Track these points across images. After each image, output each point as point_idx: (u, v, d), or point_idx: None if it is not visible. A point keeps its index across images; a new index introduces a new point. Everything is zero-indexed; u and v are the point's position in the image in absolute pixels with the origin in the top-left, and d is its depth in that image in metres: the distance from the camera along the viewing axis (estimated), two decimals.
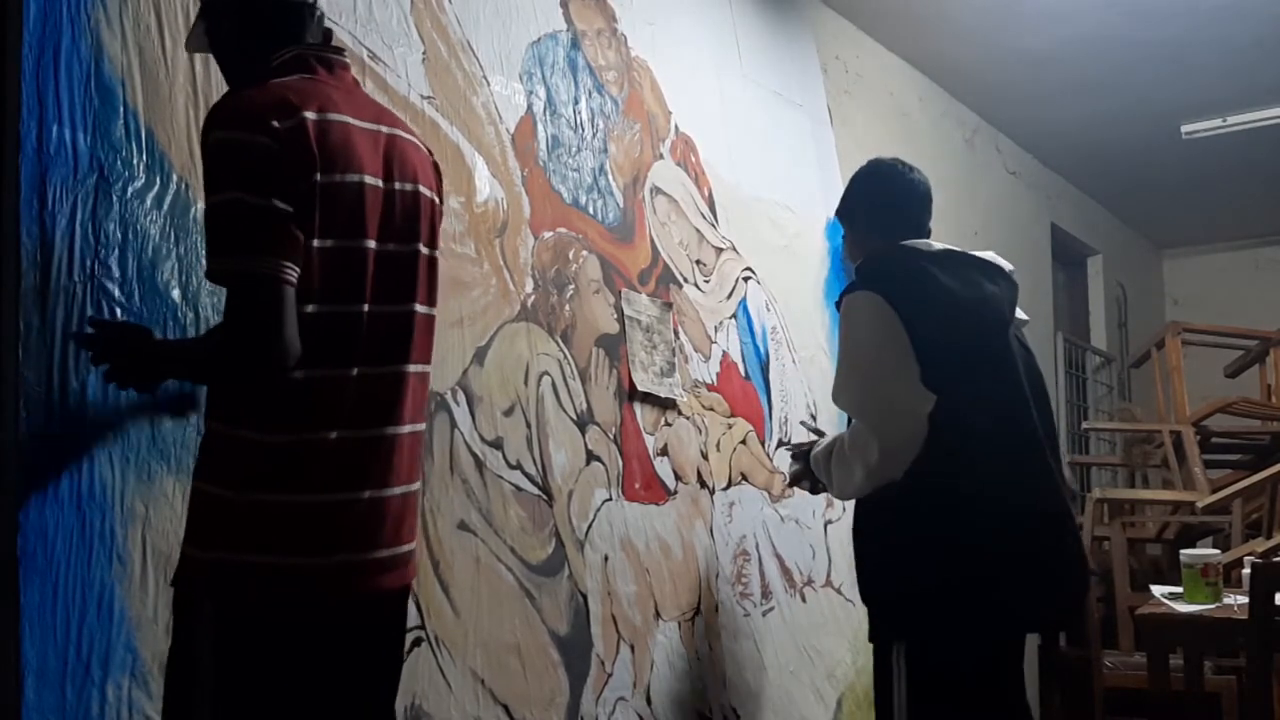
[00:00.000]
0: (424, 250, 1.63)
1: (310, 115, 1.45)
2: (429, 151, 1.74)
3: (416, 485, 1.65)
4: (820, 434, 2.72)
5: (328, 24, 1.70)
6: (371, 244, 1.54)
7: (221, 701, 1.45)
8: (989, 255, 2.38)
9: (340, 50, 1.64)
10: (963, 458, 2.10)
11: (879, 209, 2.37)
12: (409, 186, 1.61)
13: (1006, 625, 2.17)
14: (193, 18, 1.94)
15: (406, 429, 1.61)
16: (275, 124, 1.41)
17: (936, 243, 2.34)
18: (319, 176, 1.45)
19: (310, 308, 1.47)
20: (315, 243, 1.46)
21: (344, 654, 1.57)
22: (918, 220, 2.35)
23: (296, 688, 1.50)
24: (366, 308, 1.53)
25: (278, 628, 1.48)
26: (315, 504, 1.48)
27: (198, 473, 1.53)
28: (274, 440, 1.47)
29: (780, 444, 3.29)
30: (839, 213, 2.51)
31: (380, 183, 1.56)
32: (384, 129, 1.60)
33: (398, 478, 1.59)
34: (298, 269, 1.43)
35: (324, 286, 1.48)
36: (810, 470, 2.46)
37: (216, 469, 1.50)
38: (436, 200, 1.69)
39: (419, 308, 1.62)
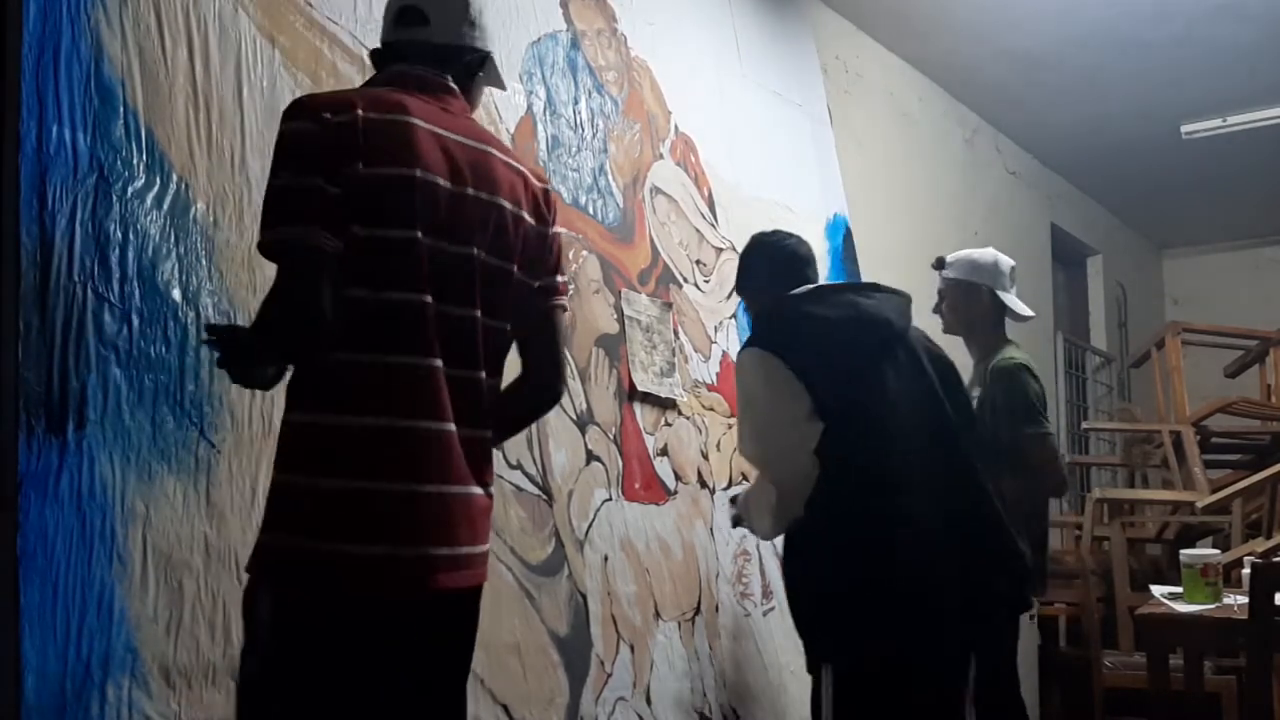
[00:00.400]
0: (483, 256, 1.64)
1: (365, 112, 1.53)
2: (540, 180, 1.77)
3: (488, 490, 1.64)
4: None
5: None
6: (426, 238, 1.56)
7: (271, 683, 1.47)
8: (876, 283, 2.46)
9: (440, 73, 1.69)
10: (859, 467, 2.13)
11: (763, 276, 2.47)
12: (484, 195, 1.64)
13: (930, 630, 2.12)
14: (193, 17, 1.95)
15: (475, 432, 1.62)
16: (327, 116, 1.51)
17: (811, 285, 2.41)
18: (363, 166, 1.51)
19: (359, 292, 1.51)
20: (364, 229, 1.51)
21: (394, 649, 1.55)
22: (800, 278, 2.42)
23: (325, 676, 1.49)
24: (427, 299, 1.56)
25: (315, 611, 1.48)
26: (349, 490, 1.49)
27: None
28: (303, 421, 1.51)
29: None
30: (738, 291, 2.59)
31: (448, 184, 1.59)
32: (469, 141, 1.65)
33: (460, 476, 1.58)
34: (338, 241, 1.48)
35: (372, 272, 1.52)
36: None
37: (277, 456, 1.55)
38: (527, 218, 1.71)
39: (477, 314, 1.63)
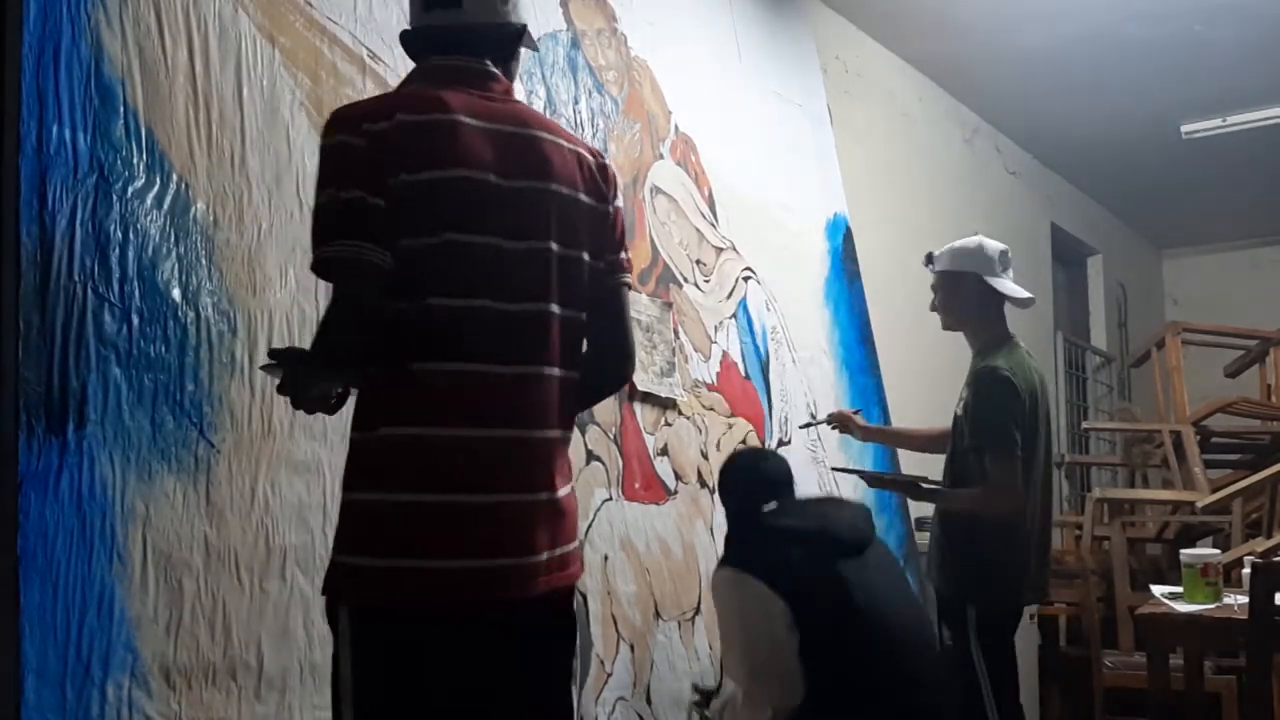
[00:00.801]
0: (555, 248, 1.58)
1: (405, 117, 1.50)
2: (594, 155, 1.69)
3: (558, 493, 1.58)
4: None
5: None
6: (485, 239, 1.52)
7: (360, 706, 1.45)
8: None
9: (481, 61, 1.62)
10: (840, 670, 2.24)
11: (740, 499, 2.58)
12: (538, 184, 1.58)
13: None
14: (193, 17, 1.95)
15: (540, 433, 1.56)
16: (366, 126, 1.48)
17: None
18: (406, 175, 1.48)
19: (419, 302, 1.48)
20: (415, 239, 1.48)
21: (492, 660, 1.52)
22: (779, 493, 2.54)
23: (423, 691, 1.46)
24: (490, 303, 1.52)
25: (403, 630, 1.46)
26: (423, 505, 1.46)
27: None
28: (370, 438, 1.49)
29: (780, 442, 3.29)
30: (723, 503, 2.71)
31: (498, 179, 1.54)
32: (515, 129, 1.58)
33: (536, 483, 1.54)
34: (386, 252, 1.46)
35: (429, 281, 1.49)
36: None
37: (345, 474, 1.52)
38: (584, 199, 1.64)
39: (553, 308, 1.57)
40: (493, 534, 1.50)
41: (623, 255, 1.71)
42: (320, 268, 1.49)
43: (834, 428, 3.18)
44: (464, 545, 1.47)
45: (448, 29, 1.61)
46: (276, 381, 1.49)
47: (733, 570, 2.32)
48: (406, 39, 1.67)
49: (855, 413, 3.17)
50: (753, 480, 2.54)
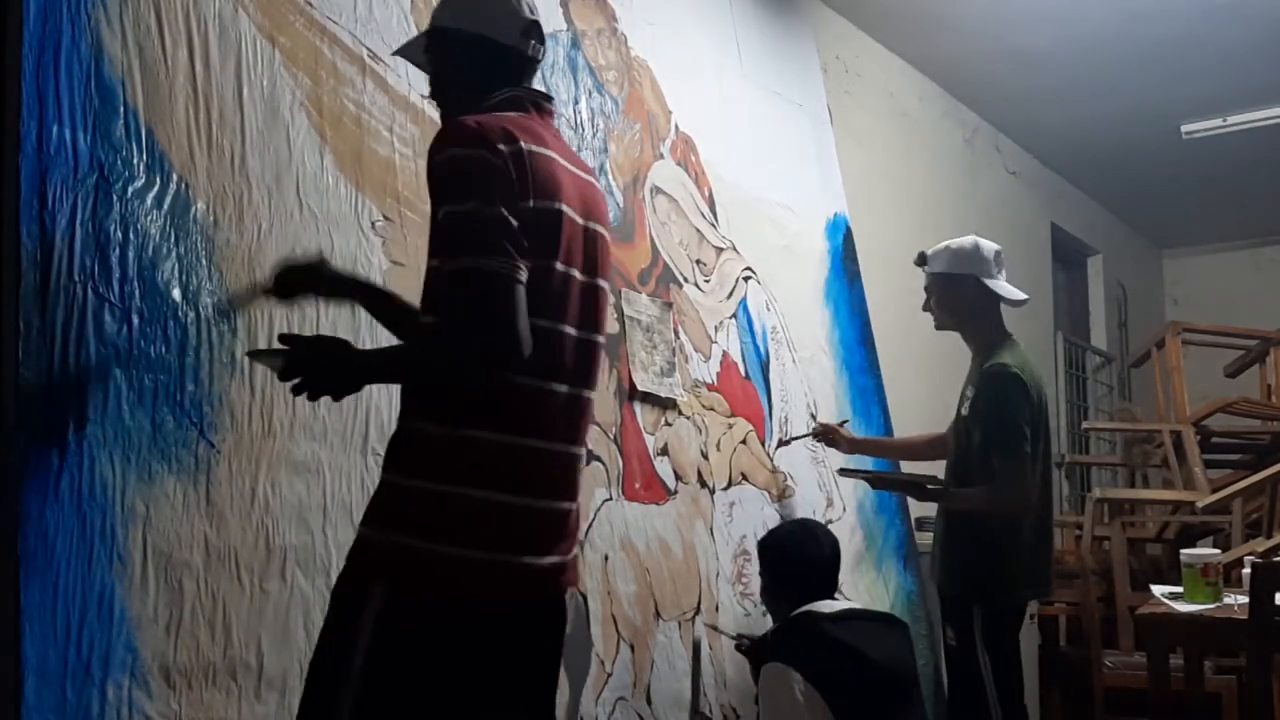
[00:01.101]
0: (603, 284, 1.71)
1: (526, 146, 1.56)
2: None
3: (577, 502, 1.70)
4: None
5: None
6: (577, 273, 1.63)
7: (368, 683, 1.47)
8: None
9: (549, 98, 1.74)
10: None
11: (789, 576, 2.72)
12: (594, 225, 1.69)
13: None
14: (193, 17, 1.95)
15: (580, 450, 1.68)
16: (501, 147, 1.53)
17: (836, 603, 2.63)
18: (532, 201, 1.54)
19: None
20: (530, 262, 1.53)
21: (500, 651, 1.60)
22: (825, 582, 2.69)
23: (442, 675, 1.51)
24: (573, 331, 1.62)
25: (444, 615, 1.51)
26: (501, 503, 1.53)
27: (387, 465, 1.57)
28: (444, 434, 1.52)
29: (780, 443, 3.29)
30: (763, 576, 2.80)
31: (579, 218, 1.64)
32: (580, 172, 1.70)
33: (574, 493, 1.67)
34: (527, 272, 1.51)
35: (535, 304, 1.53)
36: None
37: (408, 461, 1.55)
38: (607, 235, 1.76)
39: (599, 338, 1.70)
40: (547, 536, 1.61)
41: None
42: (469, 278, 1.48)
43: (819, 441, 3.20)
44: (527, 543, 1.57)
45: (535, 63, 1.74)
46: (278, 371, 1.48)
47: (795, 674, 2.38)
48: (489, 50, 1.69)
49: (843, 424, 3.17)
50: (810, 570, 2.65)
